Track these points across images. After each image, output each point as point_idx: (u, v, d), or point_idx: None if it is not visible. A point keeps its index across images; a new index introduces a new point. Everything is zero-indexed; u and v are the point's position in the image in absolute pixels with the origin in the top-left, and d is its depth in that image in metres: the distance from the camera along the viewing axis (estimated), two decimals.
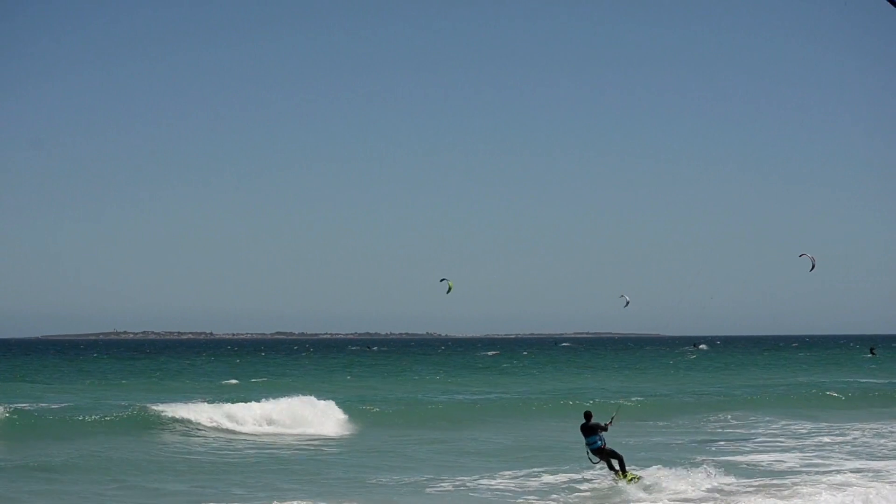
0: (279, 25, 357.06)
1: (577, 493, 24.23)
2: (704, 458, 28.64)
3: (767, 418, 42.39)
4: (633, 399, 49.05)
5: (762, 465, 28.01)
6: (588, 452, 25.03)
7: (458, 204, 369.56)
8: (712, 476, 25.06)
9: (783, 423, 40.96)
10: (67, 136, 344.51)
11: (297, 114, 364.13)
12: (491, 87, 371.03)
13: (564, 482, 25.49)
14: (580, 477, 25.61)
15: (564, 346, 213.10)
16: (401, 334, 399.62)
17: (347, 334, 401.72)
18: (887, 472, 26.55)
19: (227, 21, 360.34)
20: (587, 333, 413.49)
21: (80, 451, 30.52)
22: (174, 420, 37.12)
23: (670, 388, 60.32)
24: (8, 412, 36.34)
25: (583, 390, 57.97)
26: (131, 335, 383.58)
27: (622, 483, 24.52)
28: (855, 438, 34.94)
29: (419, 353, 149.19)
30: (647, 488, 24.20)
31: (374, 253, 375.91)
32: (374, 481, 25.65)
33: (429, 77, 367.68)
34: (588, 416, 25.08)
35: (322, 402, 41.00)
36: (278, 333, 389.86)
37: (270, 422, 37.95)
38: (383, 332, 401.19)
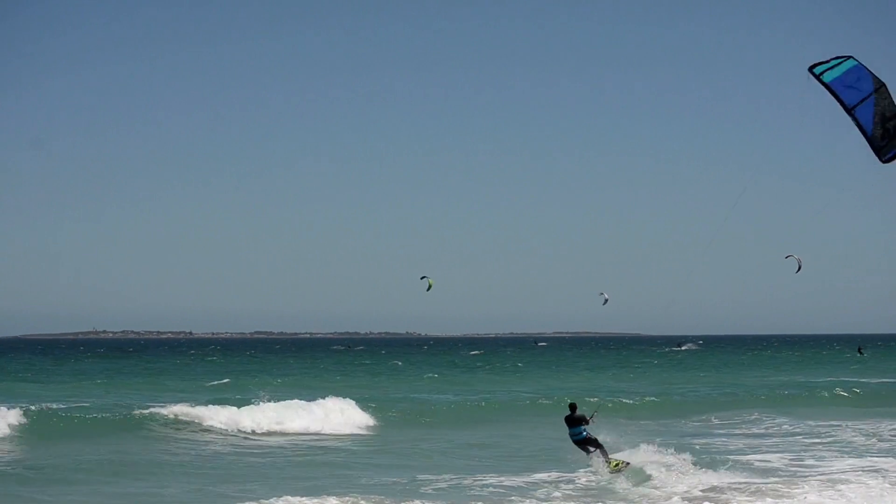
0: (279, 25, 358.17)
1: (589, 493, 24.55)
2: (701, 457, 29.18)
3: (764, 417, 42.95)
4: (648, 398, 49.84)
5: (759, 465, 28.15)
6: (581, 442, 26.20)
7: (439, 205, 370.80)
8: (708, 475, 25.51)
9: (779, 421, 41.54)
10: (68, 135, 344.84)
11: (291, 113, 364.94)
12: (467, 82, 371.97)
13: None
14: (592, 477, 26.05)
15: (542, 345, 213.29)
16: (380, 334, 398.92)
17: (327, 334, 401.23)
18: (884, 470, 26.79)
19: (226, 21, 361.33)
20: (566, 333, 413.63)
21: (115, 452, 30.67)
22: (188, 423, 37.10)
23: (669, 388, 60.81)
24: (26, 413, 35.96)
25: (594, 390, 58.28)
26: (111, 334, 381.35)
27: (607, 470, 25.63)
28: (851, 437, 35.35)
29: (404, 353, 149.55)
30: (643, 485, 24.69)
31: (354, 252, 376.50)
32: (420, 481, 25.77)
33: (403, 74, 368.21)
34: (573, 407, 26.27)
35: (341, 401, 41.23)
36: (258, 333, 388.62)
37: (284, 423, 38.03)
38: (363, 332, 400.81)
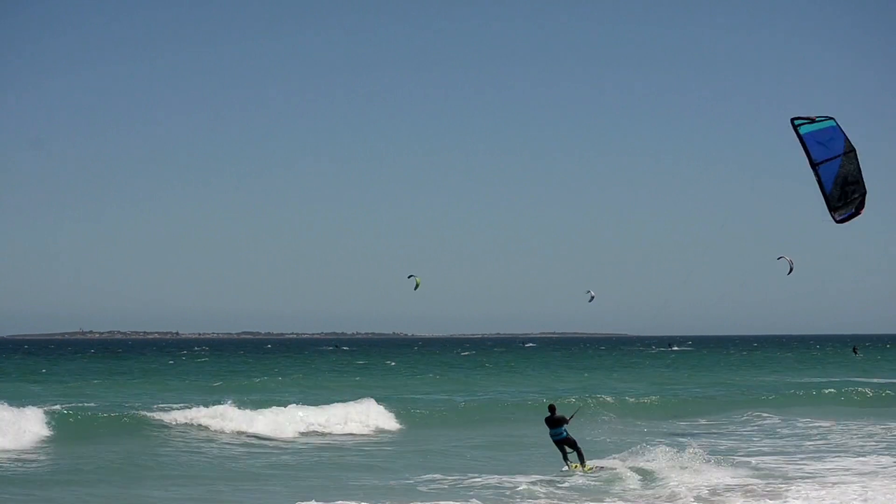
0: (277, 25, 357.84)
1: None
2: (705, 457, 29.39)
3: (764, 417, 43.24)
4: (652, 397, 50.03)
5: (758, 465, 28.23)
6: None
7: (427, 205, 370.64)
8: (708, 475, 25.78)
9: (777, 421, 41.84)
10: (66, 135, 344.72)
11: (285, 114, 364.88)
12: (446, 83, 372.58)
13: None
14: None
15: (530, 346, 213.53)
16: (367, 334, 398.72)
17: (314, 334, 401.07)
18: (880, 470, 26.92)
19: (226, 21, 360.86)
20: (552, 333, 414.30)
21: (145, 454, 30.62)
22: (206, 426, 36.88)
23: (668, 388, 61.03)
24: (53, 413, 35.69)
25: (598, 389, 58.44)
26: (97, 335, 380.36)
27: (579, 472, 26.40)
28: (849, 437, 35.56)
29: (395, 353, 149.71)
30: (643, 484, 24.98)
31: (340, 252, 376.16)
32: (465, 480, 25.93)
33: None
34: (552, 409, 27.27)
35: (366, 401, 41.20)
36: (245, 333, 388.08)
37: (317, 425, 37.95)
38: (350, 332, 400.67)
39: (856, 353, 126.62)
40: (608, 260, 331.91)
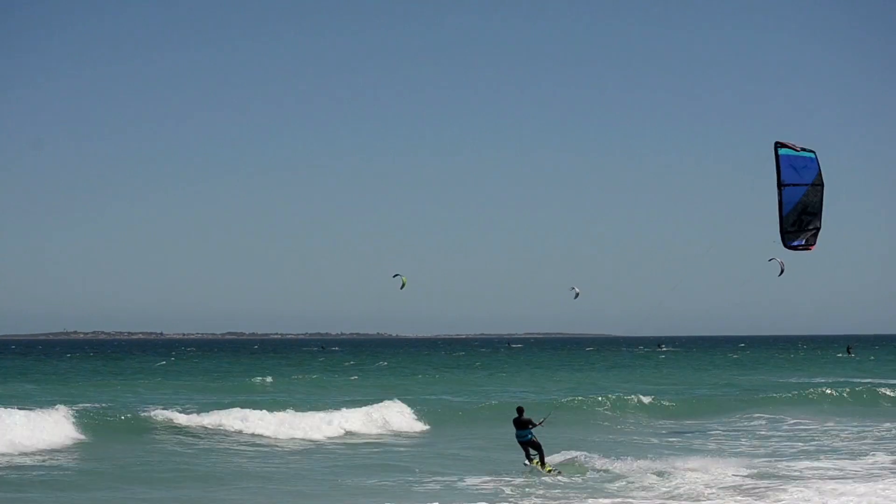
0: (276, 25, 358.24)
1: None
2: (696, 456, 29.75)
3: (765, 417, 43.50)
4: (666, 399, 49.90)
5: (758, 465, 28.19)
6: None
7: (410, 206, 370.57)
8: (705, 474, 26.11)
9: (773, 420, 42.09)
10: (61, 136, 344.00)
11: (273, 115, 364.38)
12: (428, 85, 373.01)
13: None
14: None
15: (517, 346, 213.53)
16: (351, 334, 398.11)
17: (298, 334, 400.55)
18: (875, 471, 26.99)
19: (224, 21, 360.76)
20: (537, 334, 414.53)
21: (177, 456, 30.49)
22: (233, 428, 36.52)
23: (670, 388, 61.15)
24: (76, 414, 35.24)
25: (607, 388, 58.56)
26: (81, 335, 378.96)
27: (539, 470, 27.32)
28: (848, 437, 35.76)
29: (386, 354, 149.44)
30: (652, 485, 25.08)
31: (325, 253, 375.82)
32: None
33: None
34: (520, 411, 28.28)
35: (393, 403, 41.37)
36: (229, 333, 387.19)
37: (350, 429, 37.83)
38: (334, 332, 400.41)
39: (850, 352, 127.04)
40: (592, 261, 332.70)
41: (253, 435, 35.69)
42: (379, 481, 25.95)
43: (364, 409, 40.17)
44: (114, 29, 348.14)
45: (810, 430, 38.73)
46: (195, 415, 37.61)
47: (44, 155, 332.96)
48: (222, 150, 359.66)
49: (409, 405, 42.00)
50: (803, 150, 22.26)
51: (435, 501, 22.64)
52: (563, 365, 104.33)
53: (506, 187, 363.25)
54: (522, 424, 28.02)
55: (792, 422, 41.81)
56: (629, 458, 28.73)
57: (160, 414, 37.11)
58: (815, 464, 28.51)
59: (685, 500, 23.18)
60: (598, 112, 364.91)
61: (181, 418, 36.72)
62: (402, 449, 33.82)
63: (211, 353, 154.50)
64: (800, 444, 34.10)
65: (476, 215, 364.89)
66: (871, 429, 38.60)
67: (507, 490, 24.72)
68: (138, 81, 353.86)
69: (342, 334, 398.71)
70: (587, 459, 28.72)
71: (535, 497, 23.77)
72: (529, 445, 27.95)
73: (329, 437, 36.20)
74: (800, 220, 21.63)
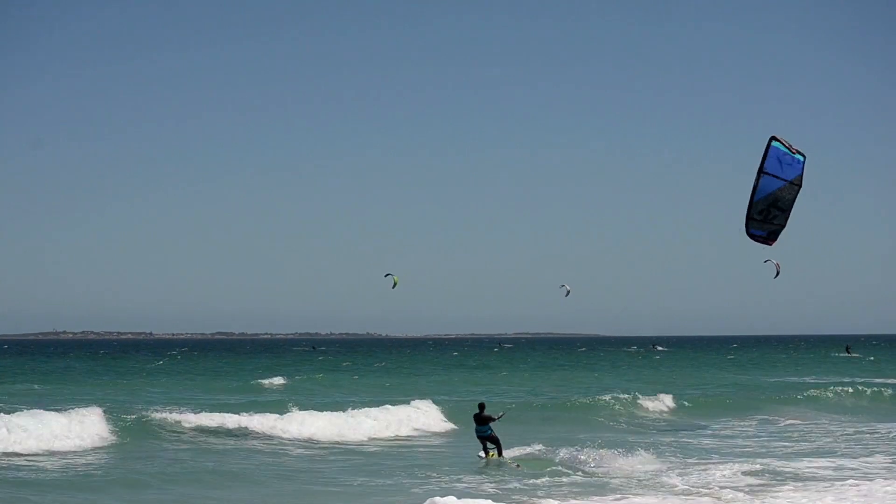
0: (276, 25, 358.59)
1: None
2: (694, 455, 29.96)
3: (759, 416, 43.60)
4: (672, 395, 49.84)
5: (758, 465, 28.08)
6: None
7: (400, 205, 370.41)
8: (705, 473, 26.11)
9: (772, 420, 42.11)
10: (61, 136, 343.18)
11: (264, 115, 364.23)
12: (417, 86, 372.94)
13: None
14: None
15: (509, 346, 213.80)
16: (341, 334, 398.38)
17: (287, 334, 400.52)
18: (872, 471, 26.96)
19: (223, 22, 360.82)
20: (527, 334, 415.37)
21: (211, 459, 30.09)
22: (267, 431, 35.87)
23: (672, 388, 60.59)
24: (118, 419, 34.64)
25: (618, 386, 58.64)
26: (70, 335, 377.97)
27: (496, 459, 28.82)
28: (849, 437, 35.73)
29: (381, 353, 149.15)
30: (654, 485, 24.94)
31: (314, 253, 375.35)
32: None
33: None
34: (481, 407, 29.81)
35: (423, 402, 41.22)
36: (218, 333, 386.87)
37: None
38: (324, 332, 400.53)
39: (849, 352, 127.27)
40: (582, 261, 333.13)
41: (291, 437, 35.31)
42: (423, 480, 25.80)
43: (393, 408, 39.82)
44: (114, 29, 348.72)
45: (809, 429, 38.69)
46: (228, 414, 37.23)
47: (43, 155, 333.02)
48: (209, 151, 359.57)
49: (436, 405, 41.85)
50: (796, 151, 22.49)
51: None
52: (564, 365, 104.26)
53: (496, 188, 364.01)
54: (483, 420, 29.49)
55: (791, 421, 41.77)
56: (628, 455, 28.82)
57: (197, 416, 36.62)
58: (815, 463, 28.46)
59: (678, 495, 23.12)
60: (598, 112, 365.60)
61: (214, 419, 36.34)
62: (436, 448, 33.72)
63: (207, 352, 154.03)
64: (799, 443, 34.07)
65: (467, 215, 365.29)
66: (871, 429, 38.57)
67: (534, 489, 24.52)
68: (138, 81, 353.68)
69: (332, 334, 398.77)
70: (547, 453, 29.38)
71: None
72: (488, 440, 29.43)
73: (374, 438, 35.96)
74: (767, 212, 21.85)
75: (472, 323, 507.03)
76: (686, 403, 48.56)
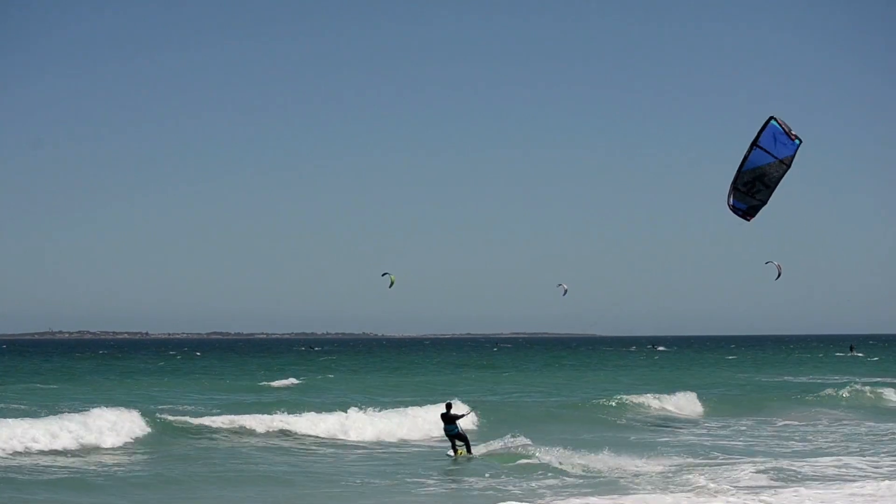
0: (276, 26, 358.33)
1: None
2: (694, 455, 29.83)
3: (760, 416, 43.50)
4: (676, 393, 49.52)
5: (760, 466, 27.86)
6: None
7: (396, 204, 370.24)
8: (703, 475, 25.73)
9: (772, 419, 41.93)
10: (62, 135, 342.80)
11: (259, 115, 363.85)
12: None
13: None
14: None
15: (506, 346, 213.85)
16: (337, 334, 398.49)
17: (283, 334, 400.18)
18: (872, 471, 26.81)
19: (225, 21, 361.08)
20: (523, 334, 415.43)
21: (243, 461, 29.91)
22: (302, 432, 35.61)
23: (675, 389, 60.73)
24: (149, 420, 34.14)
25: (626, 388, 58.30)
26: (66, 335, 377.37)
27: (465, 457, 29.46)
28: (851, 437, 35.62)
29: (381, 353, 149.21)
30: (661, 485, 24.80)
31: (310, 252, 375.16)
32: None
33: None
34: (448, 406, 30.51)
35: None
36: (214, 333, 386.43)
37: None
38: (319, 332, 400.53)
39: (852, 351, 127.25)
40: (580, 261, 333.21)
41: (317, 437, 35.09)
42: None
43: (415, 409, 39.32)
44: (114, 29, 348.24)
45: (811, 429, 38.56)
46: (260, 415, 36.92)
47: (42, 155, 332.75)
48: (206, 151, 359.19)
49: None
50: (795, 136, 22.46)
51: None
52: (565, 365, 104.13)
53: (495, 188, 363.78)
54: (450, 419, 30.10)
55: (791, 421, 41.62)
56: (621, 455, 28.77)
57: (240, 418, 36.31)
58: (818, 462, 28.32)
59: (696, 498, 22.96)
60: (598, 112, 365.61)
61: (246, 420, 35.96)
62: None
63: (208, 352, 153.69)
64: (800, 443, 33.94)
65: (464, 215, 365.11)
66: (875, 428, 38.45)
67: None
68: (138, 81, 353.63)
69: (328, 334, 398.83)
70: (525, 449, 29.47)
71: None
72: (456, 438, 29.96)
73: (405, 438, 35.68)
74: (752, 184, 21.69)
75: (468, 323, 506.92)
76: (701, 403, 48.33)
